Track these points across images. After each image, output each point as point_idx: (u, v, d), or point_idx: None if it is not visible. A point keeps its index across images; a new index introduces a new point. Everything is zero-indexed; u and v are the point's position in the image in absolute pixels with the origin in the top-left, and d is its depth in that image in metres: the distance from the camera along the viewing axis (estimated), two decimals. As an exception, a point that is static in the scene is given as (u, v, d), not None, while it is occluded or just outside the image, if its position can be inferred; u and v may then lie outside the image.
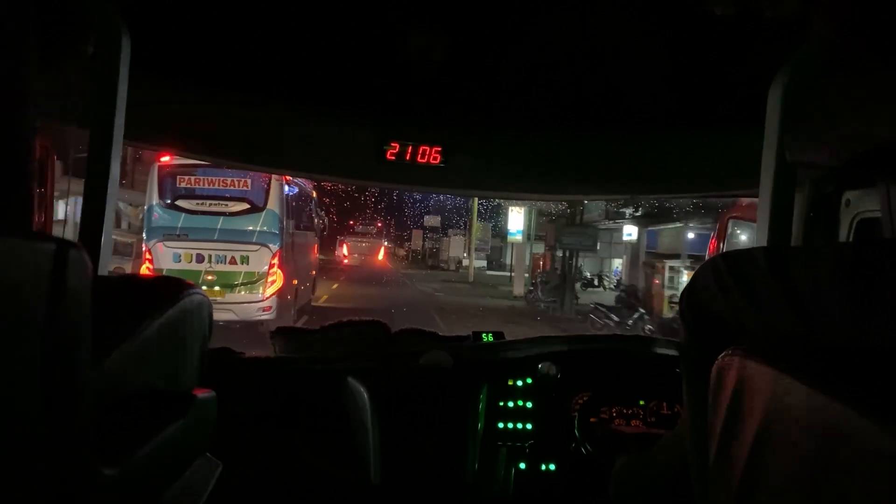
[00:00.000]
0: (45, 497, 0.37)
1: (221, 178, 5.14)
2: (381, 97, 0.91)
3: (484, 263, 26.49)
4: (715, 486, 0.34)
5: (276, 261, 5.14)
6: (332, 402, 0.91)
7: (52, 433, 0.36)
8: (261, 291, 5.05)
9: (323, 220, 8.71)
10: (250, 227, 5.17)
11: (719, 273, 0.37)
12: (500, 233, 23.53)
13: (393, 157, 0.88)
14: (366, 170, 0.93)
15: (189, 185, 5.09)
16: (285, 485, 0.87)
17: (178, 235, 5.06)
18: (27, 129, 0.40)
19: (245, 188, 5.18)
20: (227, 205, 5.16)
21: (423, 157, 0.89)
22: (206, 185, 5.16)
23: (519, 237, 13.53)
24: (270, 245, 5.10)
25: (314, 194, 7.69)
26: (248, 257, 5.05)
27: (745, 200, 1.01)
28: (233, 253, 5.05)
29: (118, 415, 0.46)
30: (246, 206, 5.18)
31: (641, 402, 0.92)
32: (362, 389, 0.90)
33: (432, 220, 33.72)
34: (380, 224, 29.87)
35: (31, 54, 0.40)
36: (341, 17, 0.81)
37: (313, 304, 7.13)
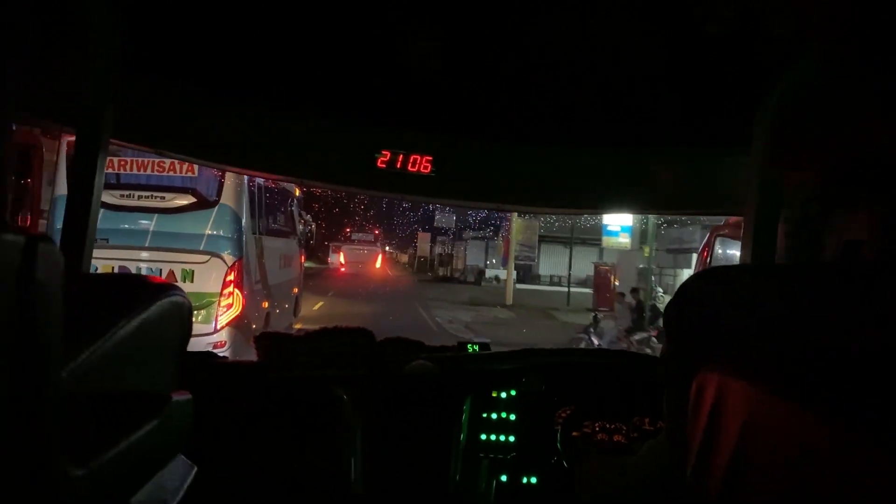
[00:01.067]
0: (12, 495, 0.49)
1: (158, 161, 4.90)
2: (373, 105, 1.29)
3: (512, 276, 28.20)
4: (694, 497, 0.46)
5: (233, 276, 4.88)
6: (316, 409, 1.30)
7: (19, 430, 0.48)
8: (211, 320, 4.71)
9: (309, 225, 9.06)
10: (197, 230, 4.91)
11: (704, 287, 0.51)
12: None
13: (384, 165, 1.27)
14: (356, 177, 1.33)
15: (111, 170, 4.74)
16: (265, 491, 1.26)
17: (95, 240, 5.44)
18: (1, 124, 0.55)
19: (190, 174, 4.92)
20: (163, 198, 4.92)
21: (413, 166, 1.28)
22: (136, 171, 4.94)
23: (623, 240, 11.55)
24: (225, 254, 4.90)
25: (297, 192, 7.82)
26: (192, 272, 4.77)
27: (733, 219, 1.39)
28: (171, 265, 4.74)
29: (90, 414, 0.63)
30: (191, 199, 4.96)
31: (625, 418, 1.30)
32: (346, 398, 1.29)
33: (444, 220, 35.78)
34: (377, 231, 37.77)
35: (6, 52, 0.61)
36: (335, 23, 1.20)
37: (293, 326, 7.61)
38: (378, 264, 28.85)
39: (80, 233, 1.00)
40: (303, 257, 8.89)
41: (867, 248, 0.50)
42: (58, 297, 0.51)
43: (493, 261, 31.31)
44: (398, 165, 1.26)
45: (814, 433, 0.37)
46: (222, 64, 1.23)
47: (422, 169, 1.26)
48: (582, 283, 24.46)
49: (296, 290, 8.25)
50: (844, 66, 0.52)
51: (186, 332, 0.86)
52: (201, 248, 4.92)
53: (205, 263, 4.87)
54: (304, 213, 9.05)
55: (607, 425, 1.28)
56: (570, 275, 17.47)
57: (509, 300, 15.88)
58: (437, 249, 41.12)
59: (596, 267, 13.83)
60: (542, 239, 27.75)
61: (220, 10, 1.13)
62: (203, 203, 5.04)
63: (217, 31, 1.17)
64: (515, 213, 14.68)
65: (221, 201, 5.07)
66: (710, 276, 0.58)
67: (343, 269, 25.35)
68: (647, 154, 1.26)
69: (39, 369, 0.51)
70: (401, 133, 1.29)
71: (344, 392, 1.28)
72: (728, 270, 0.60)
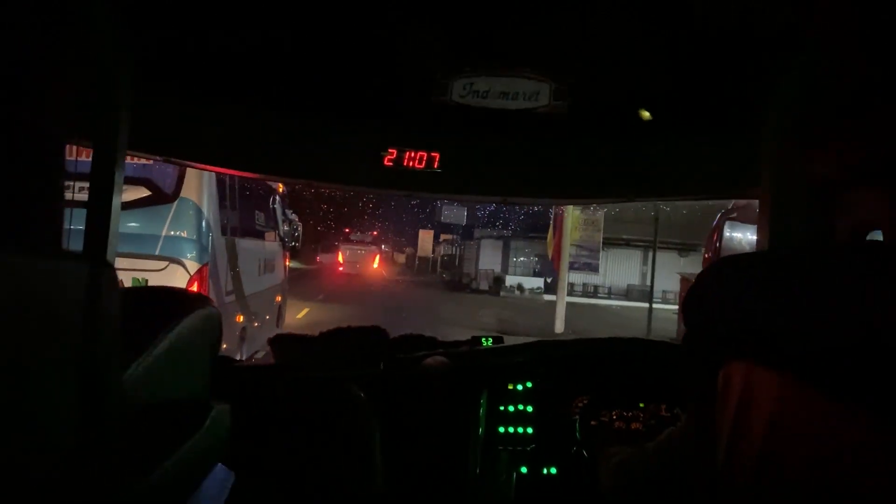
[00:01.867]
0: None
1: None
2: (378, 103, 1.63)
3: (537, 284, 28.85)
4: (725, 487, 0.59)
5: (196, 287, 5.12)
6: (333, 409, 1.71)
7: (87, 447, 0.65)
8: None
9: (295, 226, 9.72)
10: (152, 230, 5.11)
11: (724, 276, 0.64)
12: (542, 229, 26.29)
13: (390, 164, 1.63)
14: (363, 176, 1.70)
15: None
16: (289, 493, 1.68)
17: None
18: (55, 144, 0.75)
19: (143, 161, 4.95)
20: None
21: (420, 163, 1.64)
22: (73, 157, 5.73)
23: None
24: (186, 259, 5.15)
25: (281, 188, 8.46)
26: (146, 282, 4.96)
27: (741, 202, 1.77)
28: (120, 274, 5.45)
29: (139, 428, 0.83)
30: (144, 192, 5.13)
31: (641, 405, 1.70)
32: (363, 396, 1.70)
33: (453, 216, 36.98)
34: (375, 233, 45.27)
35: (45, 71, 0.83)
36: (338, 23, 1.58)
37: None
38: (375, 264, 35.86)
39: (101, 248, 1.39)
40: (287, 261, 9.51)
41: (887, 229, 0.60)
42: (118, 319, 0.72)
43: (517, 265, 31.75)
44: (404, 163, 1.63)
45: (843, 424, 0.47)
46: (229, 69, 1.59)
47: (429, 165, 1.64)
48: (633, 297, 24.67)
49: (279, 297, 8.81)
50: (855, 49, 0.64)
51: (218, 343, 1.15)
52: (157, 252, 5.12)
53: (161, 271, 5.07)
54: (289, 211, 9.64)
55: (624, 413, 1.70)
56: (651, 288, 15.61)
57: (559, 326, 14.46)
58: (442, 250, 43.48)
59: (683, 279, 12.97)
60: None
61: (223, 13, 1.45)
62: (159, 197, 5.25)
63: (222, 36, 1.50)
64: (570, 206, 14.17)
65: (182, 195, 5.27)
66: (729, 263, 0.67)
67: (341, 269, 32.83)
68: (659, 140, 1.62)
69: (104, 387, 0.70)
70: (406, 130, 1.66)
71: (361, 390, 1.68)
72: (748, 258, 0.71)
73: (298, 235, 10.04)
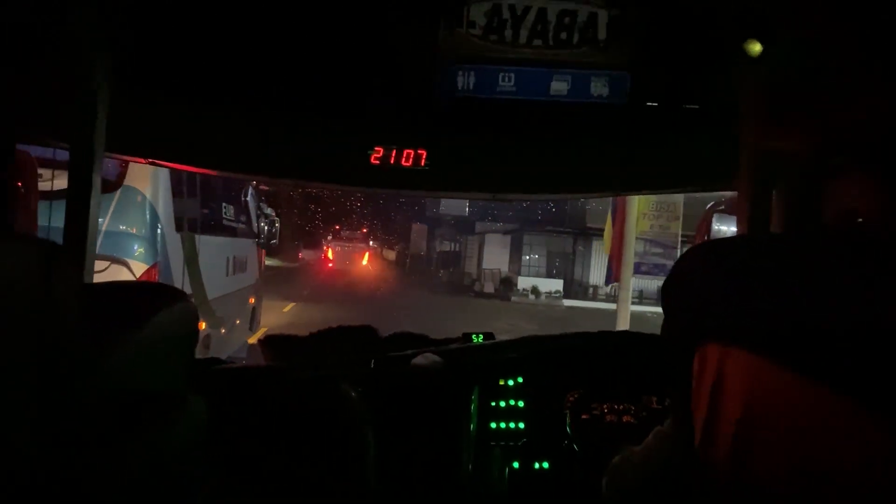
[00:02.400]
0: (41, 499, 0.78)
1: None
2: (364, 101, 1.91)
3: (555, 287, 29.05)
4: (703, 471, 0.71)
5: None
6: (325, 407, 2.04)
7: (47, 437, 0.76)
8: None
9: (272, 222, 10.22)
10: None
11: (699, 261, 0.78)
12: (569, 221, 27.56)
13: (377, 162, 1.92)
14: (349, 175, 2.00)
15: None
16: (281, 492, 2.01)
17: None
18: (3, 136, 1.25)
19: None
20: (40, 176, 5.77)
21: (407, 161, 1.93)
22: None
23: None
24: (132, 259, 5.30)
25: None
26: None
27: (728, 194, 2.09)
28: None
29: (109, 420, 0.97)
30: None
31: (633, 398, 2.04)
32: (354, 394, 2.01)
33: (451, 207, 37.87)
34: (365, 230, 50.50)
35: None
36: (323, 20, 1.86)
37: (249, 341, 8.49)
38: (365, 261, 41.12)
39: (80, 245, 1.61)
40: (263, 259, 10.02)
41: (862, 216, 0.70)
42: (76, 306, 0.84)
43: (531, 264, 32.54)
44: (392, 161, 1.93)
45: (815, 405, 0.57)
46: (210, 69, 1.86)
47: (416, 163, 1.94)
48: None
49: (252, 299, 9.28)
50: (826, 39, 0.76)
51: (194, 337, 1.35)
52: (96, 250, 5.27)
53: (102, 272, 5.09)
54: (264, 206, 10.09)
55: (616, 406, 2.04)
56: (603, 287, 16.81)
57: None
58: (439, 245, 44.63)
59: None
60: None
61: (202, 11, 1.74)
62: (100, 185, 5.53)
63: (202, 36, 1.79)
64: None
65: (127, 183, 5.33)
66: (704, 249, 0.82)
67: (331, 265, 38.66)
68: (642, 134, 1.92)
69: (64, 376, 0.81)
70: (393, 128, 1.96)
71: (352, 389, 1.97)
72: (722, 242, 0.87)
73: (276, 232, 10.48)
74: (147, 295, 1.28)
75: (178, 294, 1.31)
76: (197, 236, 6.51)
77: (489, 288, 29.96)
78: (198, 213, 6.69)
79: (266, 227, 9.91)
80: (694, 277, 0.79)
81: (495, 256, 33.89)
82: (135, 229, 5.40)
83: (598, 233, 26.55)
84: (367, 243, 45.99)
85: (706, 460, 0.73)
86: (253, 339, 8.86)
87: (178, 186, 6.11)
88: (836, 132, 0.81)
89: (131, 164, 5.37)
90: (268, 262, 10.97)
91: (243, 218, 8.75)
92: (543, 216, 34.26)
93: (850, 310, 0.60)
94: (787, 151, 1.53)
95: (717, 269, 0.76)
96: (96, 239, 1.70)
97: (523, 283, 30.49)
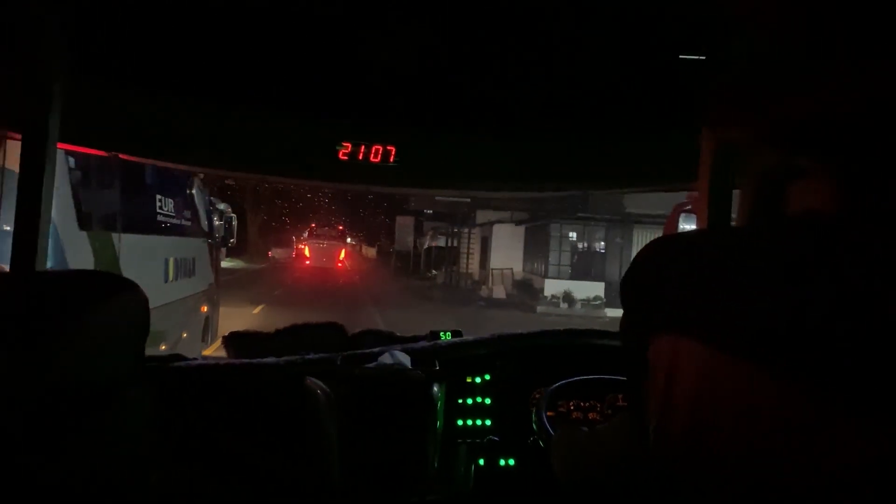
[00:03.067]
0: None
1: None
2: (332, 96, 2.31)
3: (595, 292, 26.73)
4: (656, 462, 0.87)
5: None
6: (290, 404, 2.41)
7: None
8: None
9: (228, 218, 10.65)
10: None
11: (653, 256, 0.94)
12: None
13: (346, 157, 2.33)
14: (318, 170, 2.41)
15: None
16: (245, 487, 2.47)
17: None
18: None
19: None
20: None
21: (376, 157, 2.34)
22: None
23: None
24: (5, 262, 5.36)
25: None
26: None
27: (695, 194, 2.51)
28: None
29: (45, 409, 1.15)
30: None
31: (599, 395, 2.42)
32: (320, 391, 2.47)
33: (443, 195, 35.93)
34: (341, 227, 53.91)
35: None
36: (290, 14, 2.21)
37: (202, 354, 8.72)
38: (342, 257, 44.16)
39: (31, 234, 1.87)
40: (217, 261, 10.36)
41: (822, 216, 0.84)
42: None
43: (559, 261, 29.23)
44: (360, 156, 2.34)
45: (764, 393, 0.72)
46: (175, 60, 2.20)
47: (385, 159, 2.35)
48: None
49: (205, 308, 9.65)
50: (783, 35, 0.87)
51: (144, 329, 1.52)
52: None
53: None
54: (216, 200, 10.39)
55: (581, 404, 2.51)
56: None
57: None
58: (431, 240, 44.45)
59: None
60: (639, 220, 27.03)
61: (169, 2, 2.00)
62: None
63: (165, 25, 2.07)
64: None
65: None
66: (658, 244, 0.97)
67: (308, 263, 43.50)
68: (605, 132, 2.34)
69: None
70: (362, 123, 2.36)
71: (319, 386, 2.32)
72: (675, 237, 1.08)
73: (232, 229, 10.94)
74: (93, 284, 1.47)
75: (127, 284, 1.49)
76: (117, 235, 6.59)
77: (499, 292, 29.40)
78: (117, 208, 6.72)
79: (221, 224, 10.27)
80: (647, 272, 0.96)
81: (505, 253, 32.61)
82: (9, 226, 5.25)
83: (643, 220, 27.01)
84: (343, 240, 49.19)
85: (661, 443, 0.89)
86: (209, 351, 9.28)
87: (87, 174, 6.16)
88: (796, 130, 0.91)
89: (9, 143, 5.34)
90: (232, 263, 11.36)
91: (187, 213, 9.10)
92: (565, 201, 27.68)
93: (798, 302, 0.72)
94: (748, 149, 1.66)
95: (669, 263, 0.92)
96: (48, 230, 1.93)
97: (551, 287, 28.91)
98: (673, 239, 1.08)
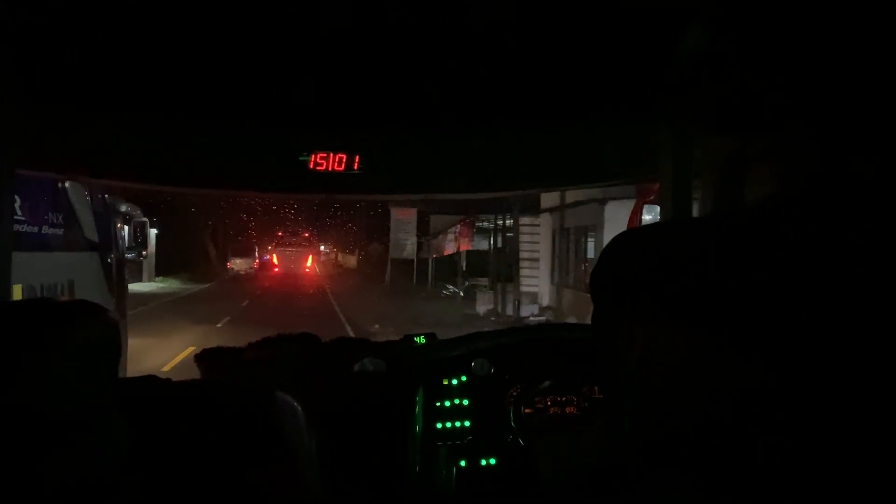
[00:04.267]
0: None
1: None
2: (291, 107, 2.32)
3: None
4: (631, 447, 0.92)
5: None
6: (265, 419, 2.52)
7: None
8: None
9: (137, 227, 9.04)
10: None
11: (620, 247, 0.99)
12: None
13: (310, 167, 2.37)
14: (280, 182, 2.44)
15: None
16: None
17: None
18: None
19: None
20: None
21: (339, 165, 2.37)
22: None
23: None
24: None
25: None
26: None
27: (657, 186, 2.58)
28: None
29: (21, 441, 1.20)
30: None
31: (574, 389, 2.51)
32: (296, 403, 2.49)
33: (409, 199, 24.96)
34: (307, 234, 54.05)
35: None
36: (249, 22, 2.24)
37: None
38: (308, 264, 45.86)
39: None
40: (125, 280, 9.18)
41: (781, 201, 0.89)
42: None
43: None
44: (323, 166, 2.37)
45: (737, 372, 0.78)
46: (128, 78, 2.18)
47: (349, 167, 2.37)
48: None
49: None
50: (741, 26, 0.93)
51: (116, 354, 1.55)
52: None
53: None
54: (116, 201, 9.14)
55: (558, 398, 2.56)
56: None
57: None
58: (449, 243, 32.52)
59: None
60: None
61: (123, 15, 1.93)
62: None
63: (120, 43, 2.03)
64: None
65: None
66: (624, 236, 1.03)
67: (276, 270, 40.73)
68: (565, 129, 2.37)
69: None
70: (323, 133, 2.39)
71: (293, 398, 2.32)
72: (640, 229, 1.12)
73: (144, 239, 9.47)
74: (60, 312, 1.49)
75: (96, 309, 1.52)
76: None
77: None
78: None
79: (128, 234, 8.82)
80: (613, 263, 1.02)
81: (538, 269, 24.85)
82: None
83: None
84: (311, 247, 50.16)
85: (635, 436, 0.94)
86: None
87: None
88: (754, 119, 0.96)
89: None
90: (162, 285, 10.04)
91: (55, 217, 7.54)
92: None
93: (763, 285, 0.79)
94: (704, 136, 1.93)
95: (636, 256, 0.99)
96: (10, 250, 1.95)
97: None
98: (639, 232, 1.14)
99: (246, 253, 39.64)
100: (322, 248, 53.54)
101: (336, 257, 53.59)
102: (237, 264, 39.14)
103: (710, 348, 0.83)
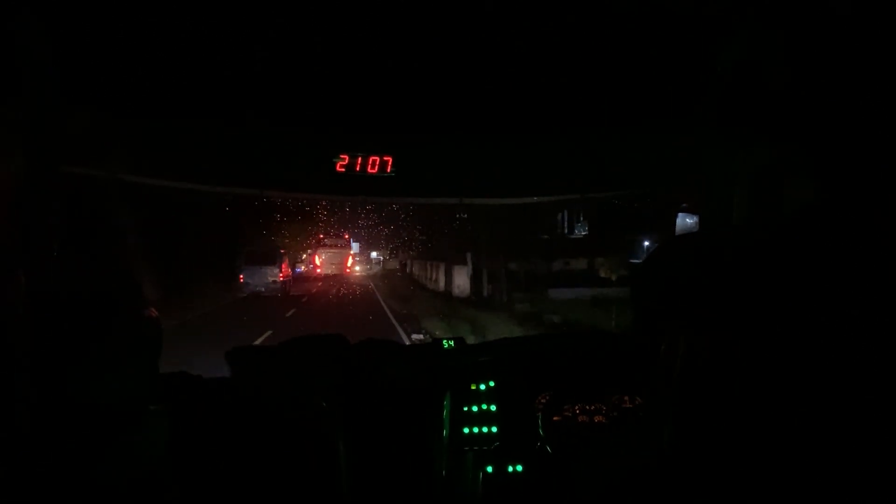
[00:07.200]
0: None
1: None
2: (328, 109, 2.36)
3: None
4: (670, 462, 0.92)
5: None
6: (296, 419, 2.51)
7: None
8: None
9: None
10: None
11: (667, 254, 1.06)
12: None
13: (343, 169, 2.38)
14: (315, 184, 2.46)
15: None
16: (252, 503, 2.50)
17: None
18: None
19: None
20: None
21: (373, 168, 2.39)
22: None
23: None
24: None
25: None
26: None
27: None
28: None
29: (68, 428, 1.23)
30: None
31: (603, 398, 2.46)
32: (325, 404, 2.47)
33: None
34: (347, 235, 55.94)
35: None
36: (285, 28, 2.36)
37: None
38: (349, 264, 51.70)
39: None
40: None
41: (819, 211, 0.91)
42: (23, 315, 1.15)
43: None
44: (357, 168, 2.39)
45: (770, 366, 0.80)
46: (168, 78, 2.25)
47: (382, 169, 2.39)
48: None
49: None
50: (781, 38, 1.05)
51: (158, 347, 1.56)
52: None
53: None
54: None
55: (587, 406, 2.53)
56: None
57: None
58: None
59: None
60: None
61: (171, 15, 2.03)
62: None
63: (156, 40, 2.12)
64: None
65: None
66: (670, 243, 1.06)
67: (318, 271, 47.70)
68: (607, 137, 2.37)
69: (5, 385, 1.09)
70: (358, 135, 2.41)
71: (323, 400, 2.37)
72: (687, 237, 1.17)
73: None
74: (108, 305, 1.47)
75: (140, 303, 1.53)
76: None
77: None
78: None
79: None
80: (659, 269, 1.03)
81: None
82: None
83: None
84: (349, 248, 52.19)
85: (681, 442, 0.94)
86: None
87: None
88: (797, 132, 1.01)
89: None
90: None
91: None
92: None
93: (802, 294, 0.80)
94: (748, 151, 1.88)
95: (682, 260, 1.00)
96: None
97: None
98: (681, 240, 1.15)
99: (266, 259, 25.90)
100: (356, 248, 55.46)
101: (384, 261, 55.71)
102: (255, 279, 25.75)
103: (758, 355, 0.83)
